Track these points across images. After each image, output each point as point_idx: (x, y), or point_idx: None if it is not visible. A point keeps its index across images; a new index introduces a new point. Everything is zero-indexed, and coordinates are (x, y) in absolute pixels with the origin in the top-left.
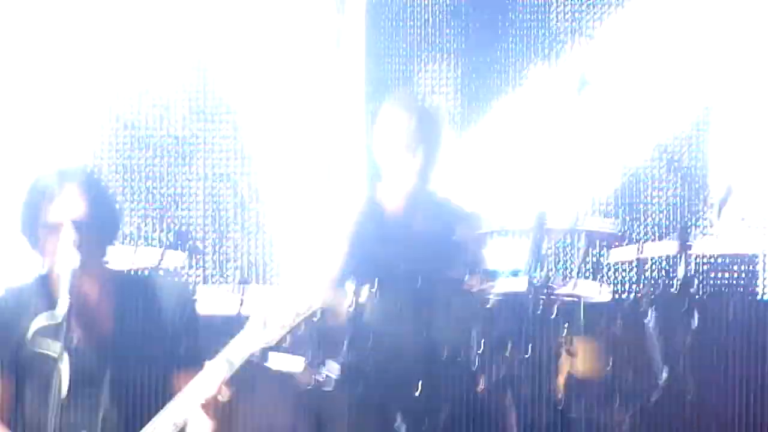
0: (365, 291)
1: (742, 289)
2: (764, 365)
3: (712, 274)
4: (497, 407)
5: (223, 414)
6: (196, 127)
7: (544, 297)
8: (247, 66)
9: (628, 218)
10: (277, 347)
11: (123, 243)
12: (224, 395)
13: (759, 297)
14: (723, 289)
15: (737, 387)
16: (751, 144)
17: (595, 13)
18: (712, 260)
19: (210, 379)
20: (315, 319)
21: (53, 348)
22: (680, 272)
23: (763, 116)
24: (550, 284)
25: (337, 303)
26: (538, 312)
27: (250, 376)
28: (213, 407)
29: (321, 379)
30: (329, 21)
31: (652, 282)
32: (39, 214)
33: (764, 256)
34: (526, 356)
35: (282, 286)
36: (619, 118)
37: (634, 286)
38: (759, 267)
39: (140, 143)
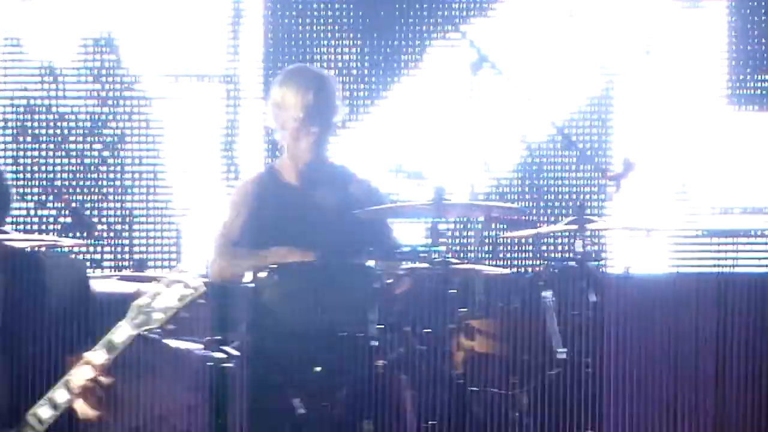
0: (264, 271)
1: (639, 264)
2: (659, 338)
3: (610, 250)
4: (396, 384)
5: (107, 399)
6: (95, 106)
7: (443, 273)
8: (148, 45)
9: (527, 195)
10: (163, 330)
11: (17, 223)
12: (105, 380)
13: (655, 272)
14: (619, 264)
15: (635, 361)
16: (651, 120)
17: None
18: (609, 236)
19: (90, 364)
20: (202, 302)
21: None
22: (578, 248)
23: (663, 93)
24: (449, 260)
25: (229, 269)
26: (438, 287)
27: (149, 355)
28: (94, 392)
29: (220, 358)
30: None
31: (551, 259)
32: None
33: (658, 231)
34: (426, 332)
35: (169, 270)
36: (517, 96)
37: (532, 262)
38: (654, 242)
39: (39, 122)
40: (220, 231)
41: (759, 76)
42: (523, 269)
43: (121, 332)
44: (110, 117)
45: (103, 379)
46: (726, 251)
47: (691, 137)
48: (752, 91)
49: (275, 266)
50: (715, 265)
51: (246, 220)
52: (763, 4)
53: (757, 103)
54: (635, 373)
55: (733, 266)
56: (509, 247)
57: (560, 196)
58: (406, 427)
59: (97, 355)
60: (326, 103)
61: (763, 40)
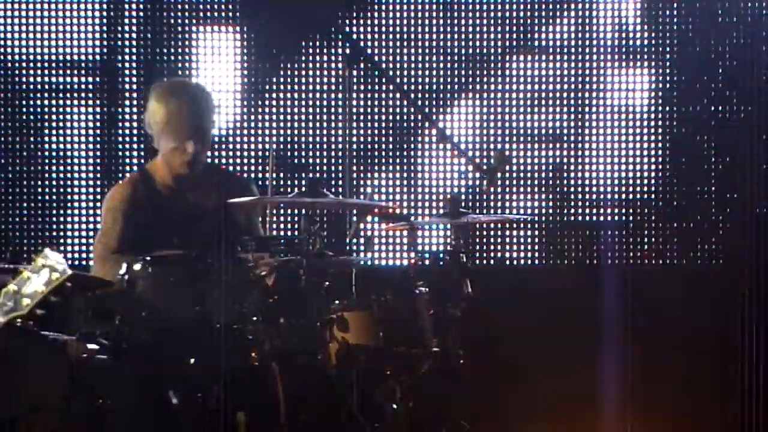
0: (138, 264)
1: (510, 256)
2: (533, 330)
3: (483, 243)
4: (270, 376)
5: None
6: None
7: (317, 266)
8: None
9: (402, 191)
10: (30, 318)
11: None
12: None
13: (526, 263)
14: (494, 257)
15: (507, 352)
16: (523, 114)
17: None
18: (483, 229)
19: None
20: (66, 293)
21: None
22: (451, 243)
23: (536, 87)
24: (325, 254)
25: (111, 275)
26: (312, 280)
27: (22, 345)
28: None
29: (93, 351)
30: None
31: (425, 252)
32: None
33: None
34: (299, 325)
35: (36, 256)
36: (393, 95)
37: (406, 255)
38: (527, 234)
39: None
40: (99, 238)
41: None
42: (397, 262)
43: None
44: None
45: None
46: (598, 242)
47: (564, 131)
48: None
49: (149, 258)
50: (589, 256)
51: (122, 226)
52: None
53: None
54: (509, 364)
55: (604, 257)
56: (384, 240)
57: (435, 189)
58: (279, 418)
59: None
60: (198, 112)
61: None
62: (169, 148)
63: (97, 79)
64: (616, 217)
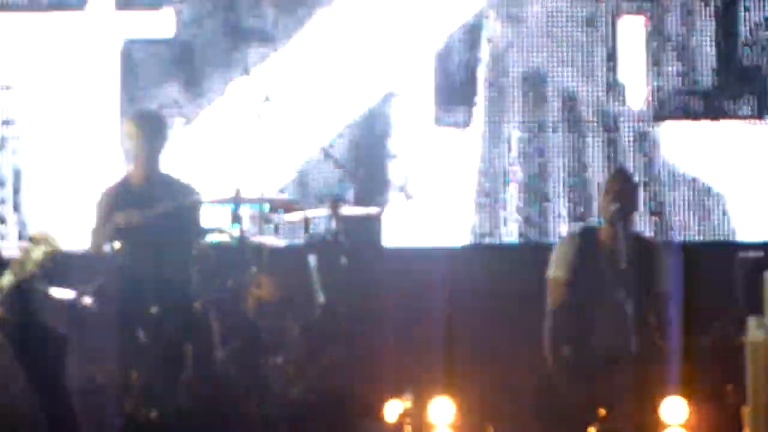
0: (117, 244)
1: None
2: (393, 297)
3: (353, 229)
4: (208, 316)
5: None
6: None
7: (242, 245)
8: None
9: (299, 191)
10: (30, 281)
11: None
12: None
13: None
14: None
15: (375, 309)
16: (424, 131)
17: (285, 30)
18: (352, 220)
19: None
20: (50, 264)
21: None
22: (333, 228)
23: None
24: (245, 236)
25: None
26: (238, 256)
27: (35, 300)
28: None
29: (85, 303)
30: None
31: (315, 234)
32: None
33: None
34: (228, 286)
35: (35, 233)
36: (293, 122)
37: (302, 237)
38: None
39: None
40: (91, 231)
41: None
42: (296, 240)
43: (5, 279)
44: None
45: None
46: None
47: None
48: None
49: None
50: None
51: (106, 219)
52: None
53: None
54: (374, 317)
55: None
56: (286, 226)
57: (324, 191)
58: (212, 346)
59: None
60: (154, 135)
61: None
62: (135, 156)
63: None
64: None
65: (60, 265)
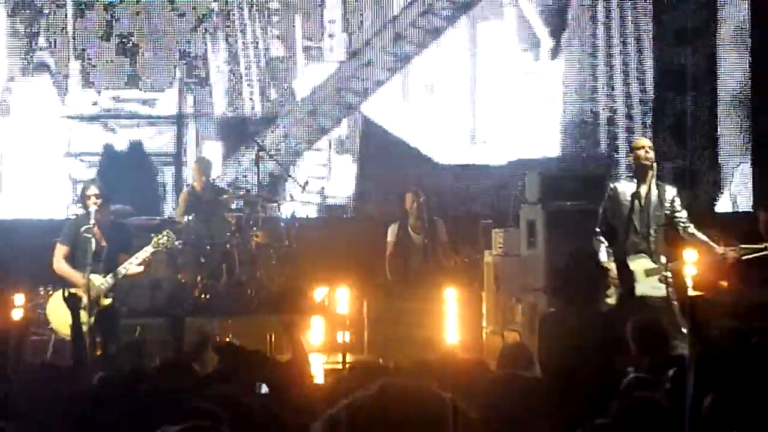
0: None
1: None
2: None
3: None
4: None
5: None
6: None
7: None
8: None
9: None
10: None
11: None
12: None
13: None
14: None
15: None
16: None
17: None
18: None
19: (140, 257)
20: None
21: None
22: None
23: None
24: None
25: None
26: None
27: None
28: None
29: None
30: None
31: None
32: None
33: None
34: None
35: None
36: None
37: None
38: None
39: None
40: (177, 213)
41: None
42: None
43: (147, 248)
44: None
45: (135, 269)
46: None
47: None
48: None
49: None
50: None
51: (184, 207)
52: None
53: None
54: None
55: None
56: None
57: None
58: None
59: (143, 253)
60: (207, 166)
61: None
62: (194, 177)
63: None
64: None
65: None
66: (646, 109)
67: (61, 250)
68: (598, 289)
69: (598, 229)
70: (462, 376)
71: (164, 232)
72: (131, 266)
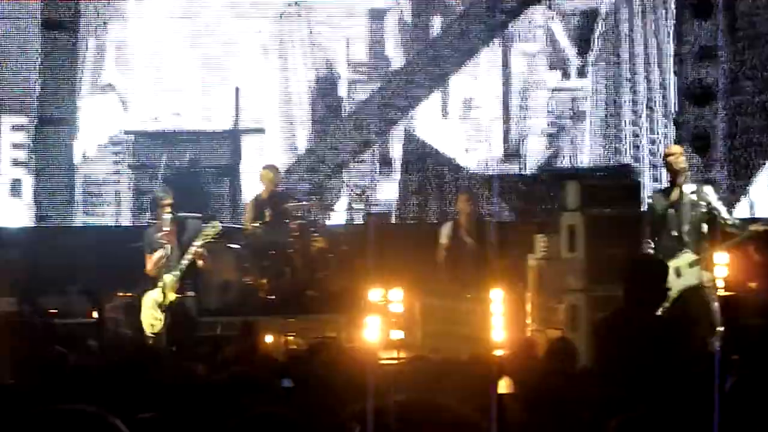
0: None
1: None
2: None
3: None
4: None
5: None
6: None
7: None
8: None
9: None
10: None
11: None
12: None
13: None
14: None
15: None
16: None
17: None
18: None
19: (197, 247)
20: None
21: None
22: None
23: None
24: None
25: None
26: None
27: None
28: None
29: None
30: None
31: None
32: None
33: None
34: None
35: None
36: None
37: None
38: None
39: None
40: (245, 218)
41: None
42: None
43: (196, 242)
44: None
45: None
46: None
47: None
48: None
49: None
50: None
51: (252, 210)
52: None
53: None
54: None
55: None
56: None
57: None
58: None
59: (193, 248)
60: (267, 176)
61: None
62: (262, 183)
63: None
64: None
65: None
66: (666, 122)
67: (148, 258)
68: (664, 291)
69: (647, 238)
70: (512, 369)
71: (211, 224)
72: (185, 261)
